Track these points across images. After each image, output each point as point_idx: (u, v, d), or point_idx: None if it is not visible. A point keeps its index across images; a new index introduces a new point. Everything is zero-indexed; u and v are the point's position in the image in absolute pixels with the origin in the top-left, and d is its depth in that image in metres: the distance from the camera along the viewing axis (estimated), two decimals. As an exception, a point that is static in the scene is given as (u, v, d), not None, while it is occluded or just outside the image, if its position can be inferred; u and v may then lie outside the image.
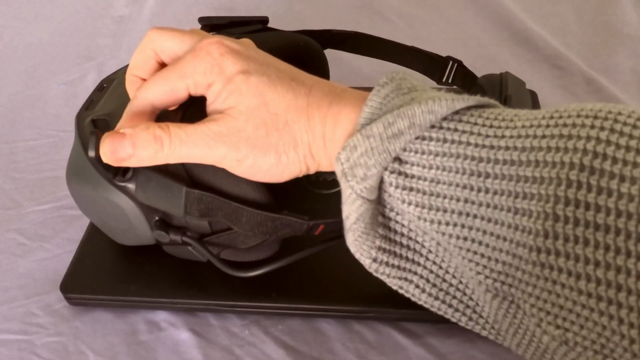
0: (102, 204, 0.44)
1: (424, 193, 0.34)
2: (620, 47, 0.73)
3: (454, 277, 0.37)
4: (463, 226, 0.34)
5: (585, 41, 0.74)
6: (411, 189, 0.35)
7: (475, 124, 0.34)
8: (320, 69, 0.56)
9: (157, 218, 0.44)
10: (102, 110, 0.47)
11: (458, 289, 0.37)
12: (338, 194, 0.52)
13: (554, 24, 0.76)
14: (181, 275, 0.48)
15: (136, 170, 0.42)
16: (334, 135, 0.37)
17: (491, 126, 0.33)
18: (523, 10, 0.78)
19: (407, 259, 0.38)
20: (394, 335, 0.46)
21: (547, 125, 0.32)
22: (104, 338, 0.47)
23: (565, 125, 0.31)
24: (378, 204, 0.37)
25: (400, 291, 0.39)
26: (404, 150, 0.34)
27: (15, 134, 0.67)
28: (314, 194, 0.53)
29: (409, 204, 0.35)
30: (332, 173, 0.54)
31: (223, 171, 0.41)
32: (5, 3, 0.91)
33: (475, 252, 0.34)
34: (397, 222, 0.37)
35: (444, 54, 0.59)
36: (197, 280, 0.48)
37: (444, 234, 0.34)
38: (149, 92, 0.39)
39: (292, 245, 0.44)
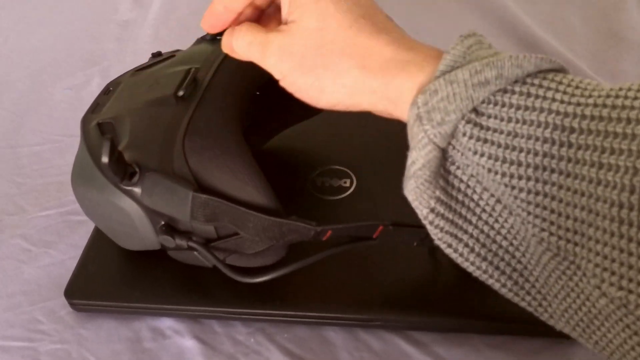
0: (107, 208, 0.44)
1: (499, 146, 0.34)
2: (627, 54, 0.72)
3: (505, 238, 0.37)
4: (537, 180, 0.34)
5: (591, 47, 0.74)
6: (486, 141, 0.34)
7: (561, 82, 0.34)
8: None
9: (162, 223, 0.43)
10: (108, 113, 0.47)
11: (507, 251, 0.37)
12: (343, 201, 0.53)
13: (560, 29, 0.76)
14: (186, 282, 0.48)
15: (142, 175, 0.42)
16: (397, 85, 0.36)
17: (577, 87, 0.33)
18: (529, 16, 0.78)
19: (460, 215, 0.37)
20: (400, 344, 0.45)
21: (638, 89, 0.32)
22: (108, 345, 0.47)
23: None
24: (442, 157, 0.36)
25: (448, 250, 0.38)
26: (483, 102, 0.34)
27: (20, 138, 0.67)
28: (320, 199, 0.53)
29: (482, 155, 0.34)
30: (338, 179, 0.54)
31: (230, 176, 0.41)
32: (10, 7, 0.91)
33: (545, 208, 0.34)
34: (456, 176, 0.37)
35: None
36: (202, 287, 0.47)
37: (514, 187, 0.34)
38: None
39: (299, 251, 0.44)
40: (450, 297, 0.46)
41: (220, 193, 0.41)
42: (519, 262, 0.37)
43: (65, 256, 0.53)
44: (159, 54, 0.53)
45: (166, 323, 0.48)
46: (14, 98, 0.73)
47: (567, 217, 0.33)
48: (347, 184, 0.54)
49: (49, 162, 0.63)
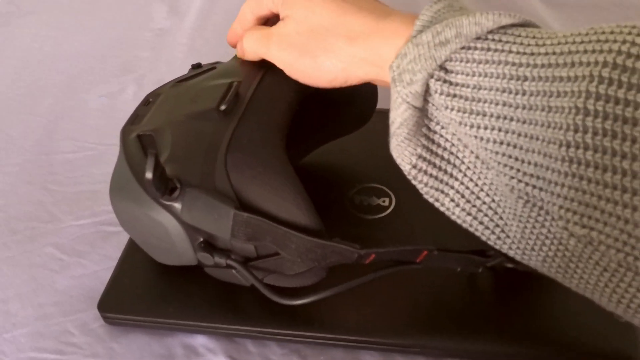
0: (145, 222, 0.43)
1: (466, 99, 0.36)
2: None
3: (487, 195, 0.38)
4: (500, 129, 0.35)
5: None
6: (454, 95, 0.36)
7: (519, 35, 0.35)
8: (369, 90, 0.55)
9: (201, 239, 0.42)
10: (147, 125, 0.46)
11: (490, 207, 0.39)
12: (382, 221, 0.52)
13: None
14: (221, 299, 0.47)
15: (183, 190, 0.41)
16: (378, 50, 0.40)
17: (534, 37, 0.35)
18: (558, 22, 0.77)
19: (445, 171, 0.39)
20: (440, 371, 0.44)
21: (587, 34, 0.33)
22: (140, 361, 0.46)
23: (603, 32, 0.33)
24: (425, 117, 0.39)
25: (436, 204, 0.40)
26: (450, 60, 0.36)
27: (54, 145, 0.67)
28: (358, 218, 0.52)
29: (452, 109, 0.37)
30: (376, 197, 0.53)
31: (273, 195, 0.40)
32: (47, 13, 0.92)
33: (509, 156, 0.35)
34: (441, 135, 0.39)
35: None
36: (237, 305, 0.46)
37: (482, 138, 0.36)
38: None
39: (338, 272, 0.43)
40: (491, 323, 0.45)
41: (262, 212, 0.40)
42: (500, 217, 0.38)
43: (98, 267, 0.53)
44: (199, 65, 0.52)
45: (199, 340, 0.47)
46: (48, 104, 0.73)
47: (529, 162, 0.35)
48: (386, 203, 0.53)
49: (83, 170, 0.63)
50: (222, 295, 0.47)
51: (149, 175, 0.38)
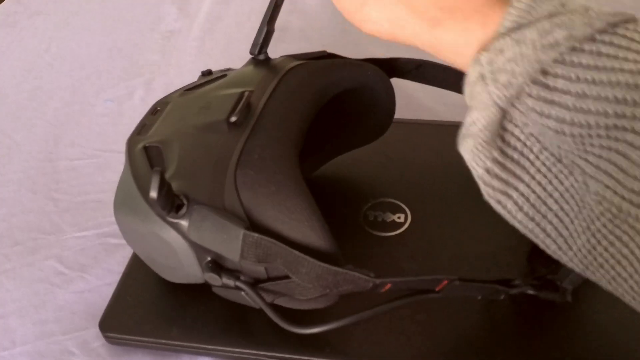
0: (150, 239, 0.42)
1: (568, 108, 0.33)
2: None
3: (556, 202, 0.36)
4: (609, 137, 0.32)
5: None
6: (553, 102, 0.33)
7: (633, 39, 0.32)
8: (386, 101, 0.52)
9: (209, 259, 0.40)
10: (155, 136, 0.44)
11: (557, 216, 0.36)
12: (397, 239, 0.49)
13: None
14: (228, 320, 0.45)
15: (190, 207, 0.39)
16: (443, 35, 0.36)
17: None
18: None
19: (514, 174, 0.36)
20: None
21: None
22: (142, 384, 0.44)
23: None
24: (504, 117, 0.36)
25: (497, 207, 0.37)
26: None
27: (59, 151, 0.65)
28: (371, 235, 0.50)
29: (548, 117, 0.33)
30: (391, 213, 0.51)
31: (285, 215, 0.37)
32: (53, 12, 0.90)
33: (615, 164, 0.32)
34: (517, 138, 0.35)
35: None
36: (244, 327, 0.44)
37: (581, 147, 0.33)
38: None
39: (353, 298, 0.41)
40: (510, 352, 0.42)
41: (274, 233, 0.38)
42: (567, 228, 0.36)
43: (101, 282, 0.51)
44: (209, 72, 0.50)
45: (204, 363, 0.45)
46: (54, 108, 0.71)
47: (635, 177, 0.32)
48: (402, 220, 0.51)
49: (87, 178, 0.61)
50: (229, 317, 0.45)
51: (153, 194, 0.36)
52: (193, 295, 0.46)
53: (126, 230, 0.45)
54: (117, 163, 0.62)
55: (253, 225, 0.38)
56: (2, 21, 0.89)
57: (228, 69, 0.51)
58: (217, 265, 0.40)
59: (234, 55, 0.75)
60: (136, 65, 0.78)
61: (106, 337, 0.46)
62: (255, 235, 0.37)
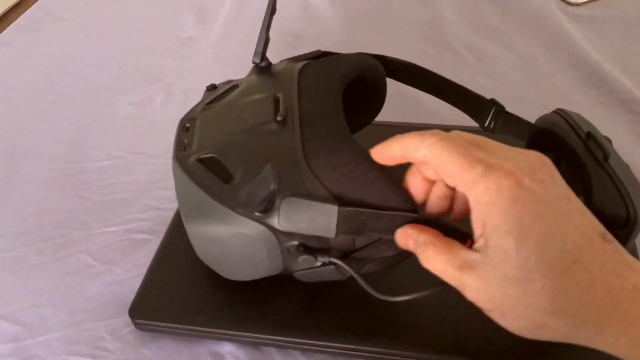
0: (231, 240, 0.44)
1: None
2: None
3: None
4: None
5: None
6: None
7: None
8: (383, 85, 0.56)
9: (295, 243, 0.43)
10: (203, 149, 0.46)
11: None
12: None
13: (631, 66, 0.74)
14: (248, 308, 0.48)
15: (280, 200, 0.42)
16: (601, 332, 0.34)
17: None
18: (598, 51, 0.76)
19: None
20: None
21: None
22: (169, 367, 0.47)
23: None
24: None
25: None
26: None
27: (84, 153, 0.68)
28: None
29: None
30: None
31: (368, 185, 0.41)
32: (77, 19, 0.94)
33: None
34: None
35: (514, 91, 0.58)
36: (263, 315, 0.47)
37: None
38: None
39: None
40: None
41: (360, 204, 0.41)
42: None
43: (128, 275, 0.54)
44: (214, 86, 0.53)
45: (226, 348, 0.48)
46: (78, 112, 0.75)
47: None
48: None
49: (113, 179, 0.65)
50: (249, 305, 0.48)
51: (274, 186, 0.39)
52: (214, 287, 0.49)
53: (200, 240, 0.47)
54: (139, 164, 0.66)
55: (342, 201, 0.41)
56: (27, 27, 0.93)
57: (230, 81, 0.54)
58: (308, 247, 0.43)
59: (248, 60, 0.79)
60: (156, 70, 0.81)
61: (135, 324, 0.49)
62: (350, 209, 0.40)
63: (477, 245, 0.36)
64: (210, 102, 0.51)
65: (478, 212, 0.35)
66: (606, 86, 0.71)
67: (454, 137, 0.37)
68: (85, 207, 0.61)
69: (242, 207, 0.42)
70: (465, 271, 0.36)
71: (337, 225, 0.41)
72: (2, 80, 0.81)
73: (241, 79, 0.53)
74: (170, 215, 0.57)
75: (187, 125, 0.49)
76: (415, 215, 0.40)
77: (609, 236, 0.35)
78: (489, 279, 0.35)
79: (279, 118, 0.44)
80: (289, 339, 0.47)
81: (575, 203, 0.35)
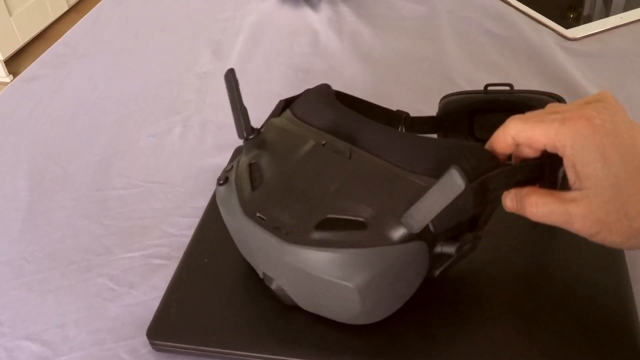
0: (391, 273, 0.45)
1: None
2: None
3: None
4: None
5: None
6: None
7: None
8: None
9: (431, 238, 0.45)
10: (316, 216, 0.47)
11: None
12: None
13: (620, 97, 0.76)
14: (264, 329, 0.51)
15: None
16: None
17: None
18: (592, 83, 0.79)
19: None
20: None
21: None
22: (184, 385, 0.50)
23: None
24: None
25: None
26: None
27: (107, 182, 0.73)
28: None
29: None
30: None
31: (475, 150, 0.46)
32: (101, 55, 0.99)
33: None
34: None
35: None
36: (279, 336, 0.50)
37: None
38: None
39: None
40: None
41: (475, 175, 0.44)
42: None
43: (147, 297, 0.58)
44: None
45: (239, 368, 0.51)
46: (102, 143, 0.79)
47: None
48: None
49: (133, 206, 0.69)
50: (264, 326, 0.51)
51: (461, 185, 0.40)
52: (231, 308, 0.52)
53: (368, 294, 0.45)
54: (158, 192, 0.70)
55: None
56: (53, 63, 0.98)
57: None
58: (449, 236, 0.46)
59: (263, 94, 0.83)
60: (175, 103, 0.85)
61: (152, 345, 0.52)
62: (477, 181, 0.44)
63: (573, 187, 0.43)
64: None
65: (567, 158, 0.42)
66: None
67: (527, 115, 0.45)
68: (107, 233, 0.65)
69: (391, 238, 0.44)
70: (569, 204, 0.42)
71: (474, 201, 0.44)
72: (31, 113, 0.86)
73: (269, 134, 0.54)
74: (186, 241, 0.61)
75: (228, 177, 0.52)
76: (524, 164, 0.46)
77: None
78: (591, 203, 0.41)
79: (348, 155, 0.48)
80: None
81: (638, 128, 0.43)
